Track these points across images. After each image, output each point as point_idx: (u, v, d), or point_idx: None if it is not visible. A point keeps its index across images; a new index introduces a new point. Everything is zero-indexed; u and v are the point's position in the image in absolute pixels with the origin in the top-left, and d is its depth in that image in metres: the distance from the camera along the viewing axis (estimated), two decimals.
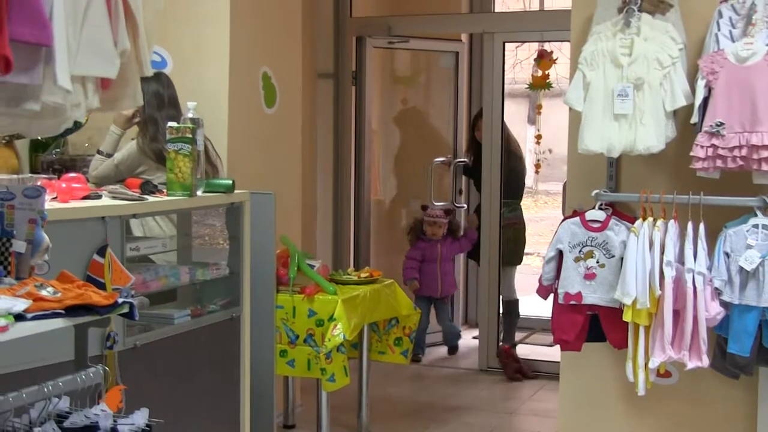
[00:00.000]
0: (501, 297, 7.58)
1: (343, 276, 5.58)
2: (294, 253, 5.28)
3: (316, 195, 7.42)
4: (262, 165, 5.64)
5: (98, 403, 2.82)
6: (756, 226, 3.94)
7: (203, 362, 4.18)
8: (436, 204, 7.85)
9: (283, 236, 5.28)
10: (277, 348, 5.05)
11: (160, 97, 4.72)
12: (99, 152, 4.87)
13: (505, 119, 7.42)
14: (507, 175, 7.43)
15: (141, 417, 2.82)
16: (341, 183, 7.74)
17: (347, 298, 5.17)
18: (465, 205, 8.21)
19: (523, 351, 7.70)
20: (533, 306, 8.30)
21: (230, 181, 4.33)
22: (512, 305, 7.70)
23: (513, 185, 7.66)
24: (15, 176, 3.93)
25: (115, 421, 2.77)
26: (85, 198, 3.66)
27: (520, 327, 7.89)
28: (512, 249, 7.71)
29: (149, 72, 2.99)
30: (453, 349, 7.92)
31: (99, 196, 3.75)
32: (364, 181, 7.82)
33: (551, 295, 4.36)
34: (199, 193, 4.13)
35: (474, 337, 8.03)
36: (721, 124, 3.88)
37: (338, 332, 5.03)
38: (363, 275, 5.59)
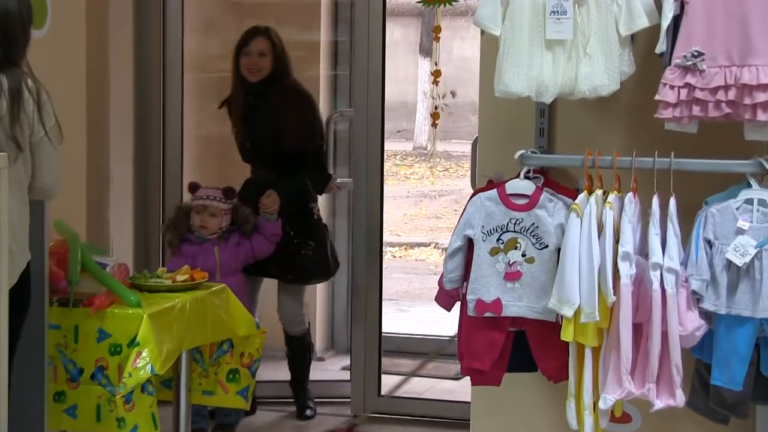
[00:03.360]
0: (285, 329, 7.19)
1: (150, 280, 5.53)
2: (76, 247, 5.21)
3: (109, 160, 7.30)
4: None
5: None
6: (749, 201, 3.99)
7: None
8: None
9: (58, 221, 5.20)
10: (51, 389, 5.01)
11: None
12: None
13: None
14: (285, 138, 7.04)
15: None
16: (146, 143, 7.61)
17: (157, 313, 5.13)
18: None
19: (415, 389, 7.71)
20: (429, 321, 8.35)
21: None
22: (303, 342, 7.32)
23: (294, 153, 7.11)
24: None
25: None
26: None
27: (408, 353, 7.84)
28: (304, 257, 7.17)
29: None
30: (227, 428, 6.89)
31: None
32: (179, 139, 7.68)
33: (457, 304, 4.36)
34: None
35: (344, 368, 7.99)
36: (700, 54, 3.93)
37: (143, 363, 4.99)
38: (180, 278, 5.55)
